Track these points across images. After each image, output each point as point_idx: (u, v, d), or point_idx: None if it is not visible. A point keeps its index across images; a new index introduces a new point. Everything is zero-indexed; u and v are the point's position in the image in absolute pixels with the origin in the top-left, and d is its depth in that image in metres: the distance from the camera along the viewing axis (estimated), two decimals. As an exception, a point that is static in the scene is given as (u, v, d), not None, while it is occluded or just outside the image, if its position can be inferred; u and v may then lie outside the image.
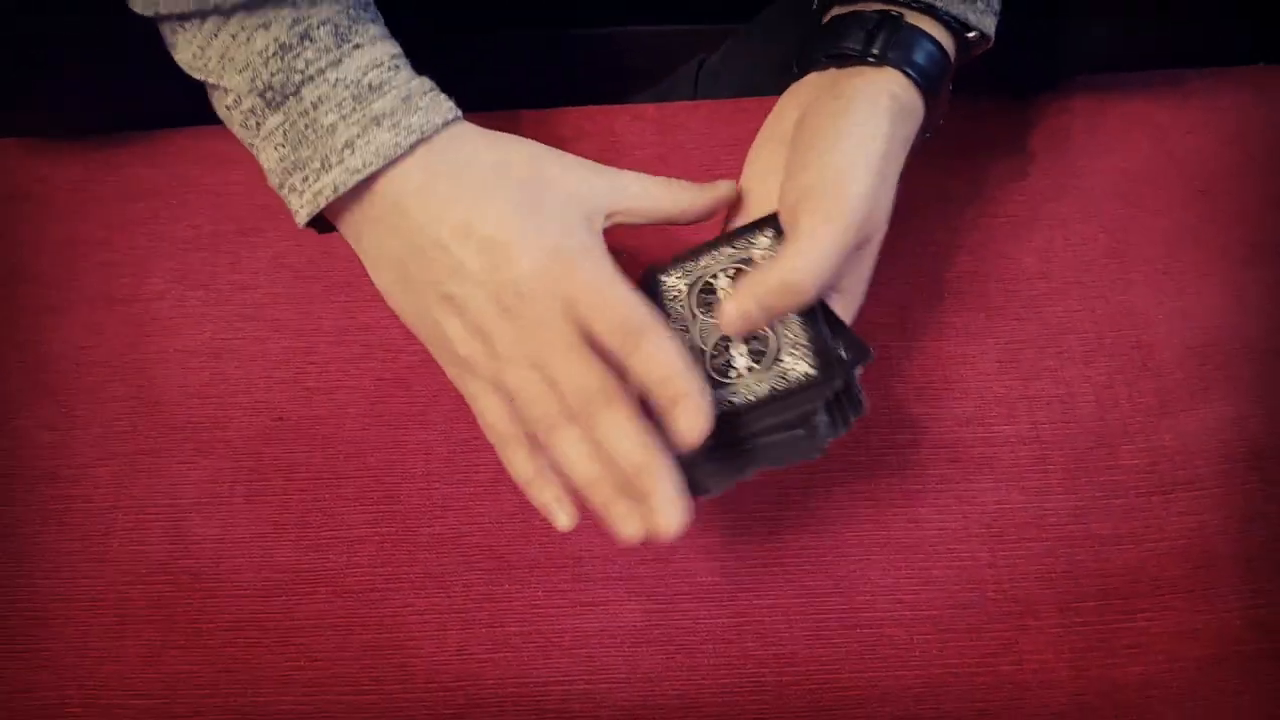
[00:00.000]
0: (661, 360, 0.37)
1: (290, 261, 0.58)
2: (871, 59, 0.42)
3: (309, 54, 0.40)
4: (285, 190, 0.41)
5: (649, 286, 0.44)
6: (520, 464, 0.42)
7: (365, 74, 0.40)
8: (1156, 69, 0.61)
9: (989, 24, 0.44)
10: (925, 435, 0.51)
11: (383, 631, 0.48)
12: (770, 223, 0.43)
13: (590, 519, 0.49)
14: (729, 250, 0.43)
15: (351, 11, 0.41)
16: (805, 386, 0.39)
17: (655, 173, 0.44)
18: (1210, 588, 0.47)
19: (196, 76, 0.42)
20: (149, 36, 0.57)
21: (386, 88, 0.40)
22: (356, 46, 0.40)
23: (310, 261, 0.58)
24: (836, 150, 0.40)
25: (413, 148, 0.40)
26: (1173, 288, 0.55)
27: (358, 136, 0.39)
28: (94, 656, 0.48)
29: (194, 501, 0.51)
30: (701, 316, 0.43)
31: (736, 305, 0.39)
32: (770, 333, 0.40)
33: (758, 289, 0.38)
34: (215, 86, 0.42)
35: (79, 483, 0.52)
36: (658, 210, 0.43)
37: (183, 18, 0.41)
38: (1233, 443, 0.50)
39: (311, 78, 0.40)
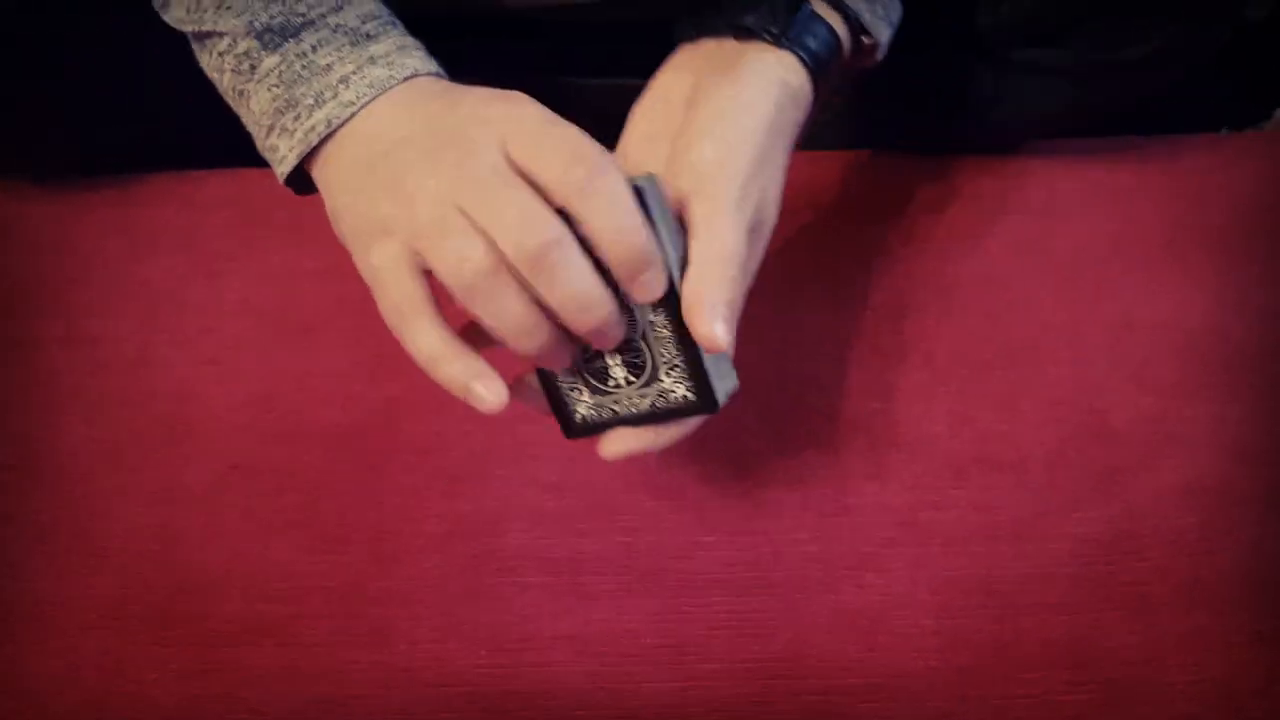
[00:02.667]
0: (617, 209, 0.34)
1: (255, 305, 0.59)
2: (769, 36, 0.42)
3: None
4: (275, 135, 0.42)
5: None
6: (425, 337, 0.37)
7: (364, 23, 0.41)
8: (1117, 134, 0.61)
9: (882, 31, 0.45)
10: (876, 498, 0.51)
11: (328, 685, 0.48)
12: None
13: (538, 587, 0.50)
14: None
15: None
16: (684, 410, 0.40)
17: None
18: (1154, 660, 0.47)
19: (184, 29, 0.43)
20: (127, 79, 0.58)
21: (383, 36, 0.41)
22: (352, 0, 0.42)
23: (275, 306, 0.58)
24: (723, 131, 0.40)
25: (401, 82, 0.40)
26: (1127, 355, 0.55)
27: (353, 73, 0.40)
28: (38, 702, 0.48)
29: (146, 547, 0.51)
30: None
31: (721, 326, 0.37)
32: (645, 347, 0.40)
33: (706, 300, 0.37)
34: (207, 34, 0.43)
35: (33, 524, 0.52)
36: None
37: None
38: (1181, 514, 0.50)
39: (312, 21, 0.41)
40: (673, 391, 0.40)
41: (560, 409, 0.43)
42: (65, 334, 0.58)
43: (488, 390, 0.36)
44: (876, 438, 0.53)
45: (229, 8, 0.42)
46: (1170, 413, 0.53)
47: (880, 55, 0.47)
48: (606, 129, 0.43)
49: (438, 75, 0.42)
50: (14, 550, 0.51)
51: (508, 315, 0.35)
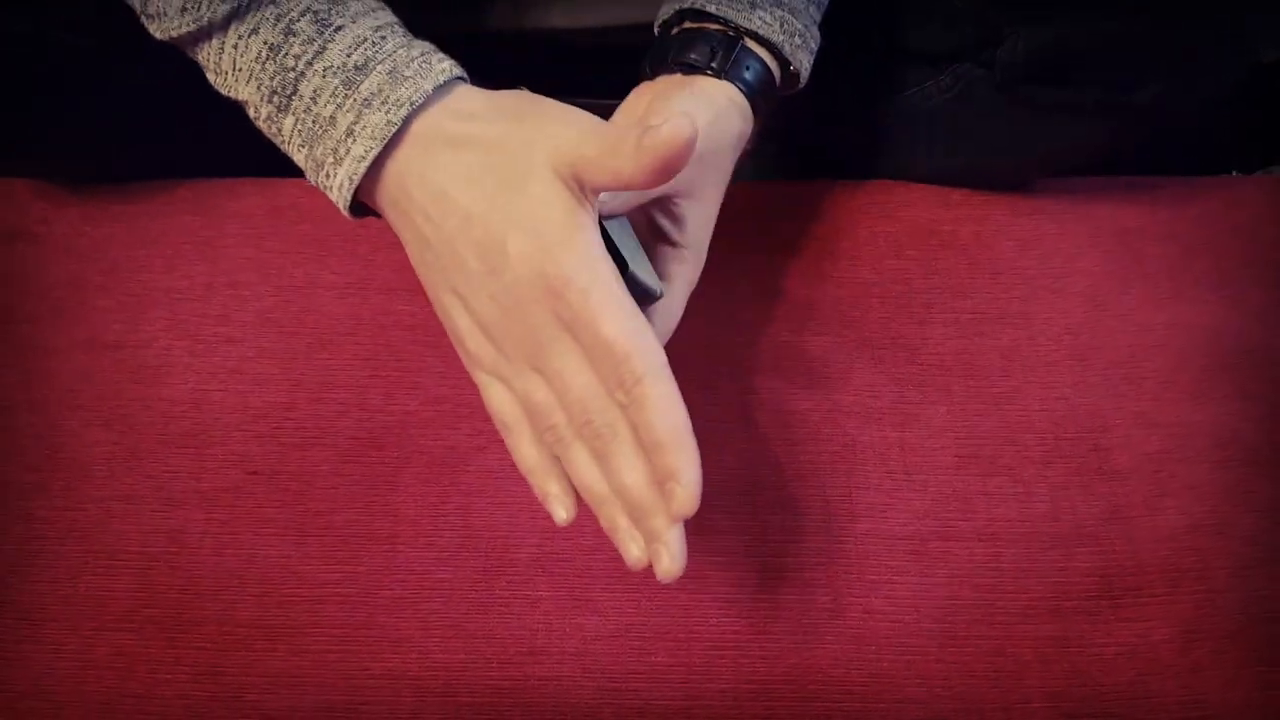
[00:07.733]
0: (659, 421, 0.37)
1: (276, 317, 0.60)
2: (711, 71, 0.48)
3: (295, 49, 0.40)
4: (322, 189, 0.42)
5: None
6: (525, 452, 0.42)
7: (349, 55, 0.40)
8: (1127, 174, 0.62)
9: (803, 60, 0.50)
10: (883, 526, 0.52)
11: (338, 693, 0.48)
12: None
13: (548, 601, 0.50)
14: None
15: None
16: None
17: None
18: (1151, 697, 0.47)
19: (227, 95, 0.43)
20: (154, 87, 0.59)
21: (372, 65, 0.40)
22: (338, 29, 0.40)
23: (295, 318, 0.59)
24: (680, 99, 0.46)
25: (406, 122, 0.39)
26: (1134, 394, 0.56)
27: (354, 122, 0.39)
28: (52, 700, 0.48)
29: (163, 551, 0.52)
30: None
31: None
32: None
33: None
34: (240, 102, 0.43)
35: (53, 525, 0.53)
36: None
37: (194, 40, 0.42)
38: (1182, 553, 0.51)
39: (302, 73, 0.40)
40: None
41: None
42: (88, 339, 0.59)
43: (564, 510, 0.41)
44: (889, 467, 0.54)
45: (240, 72, 0.41)
46: (1174, 452, 0.54)
47: (803, 81, 0.51)
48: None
49: (439, 88, 0.40)
50: (31, 551, 0.52)
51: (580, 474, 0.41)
